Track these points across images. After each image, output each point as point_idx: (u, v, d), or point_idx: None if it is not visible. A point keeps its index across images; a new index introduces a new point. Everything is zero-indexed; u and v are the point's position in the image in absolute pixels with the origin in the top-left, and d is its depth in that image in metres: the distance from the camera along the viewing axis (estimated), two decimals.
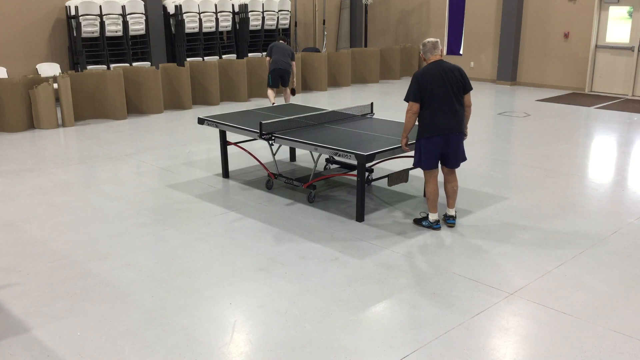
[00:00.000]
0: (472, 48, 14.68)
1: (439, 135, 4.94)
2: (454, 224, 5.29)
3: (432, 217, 5.22)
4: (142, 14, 12.33)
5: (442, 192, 5.82)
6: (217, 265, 4.58)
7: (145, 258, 4.71)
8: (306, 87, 13.36)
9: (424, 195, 6.14)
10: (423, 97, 4.90)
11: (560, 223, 5.40)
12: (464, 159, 5.19)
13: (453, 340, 3.54)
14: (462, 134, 5.07)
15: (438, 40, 5.03)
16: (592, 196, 6.13)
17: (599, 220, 5.47)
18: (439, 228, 5.22)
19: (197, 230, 5.28)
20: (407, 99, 4.95)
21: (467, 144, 7.89)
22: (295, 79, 10.47)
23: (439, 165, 5.19)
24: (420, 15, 15.64)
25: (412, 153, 6.08)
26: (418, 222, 5.35)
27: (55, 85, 9.89)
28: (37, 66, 11.73)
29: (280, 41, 10.39)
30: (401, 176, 5.62)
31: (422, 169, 5.15)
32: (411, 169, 5.91)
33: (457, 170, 5.38)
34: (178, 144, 8.51)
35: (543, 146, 8.18)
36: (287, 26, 14.86)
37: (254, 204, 5.93)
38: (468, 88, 5.04)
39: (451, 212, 5.30)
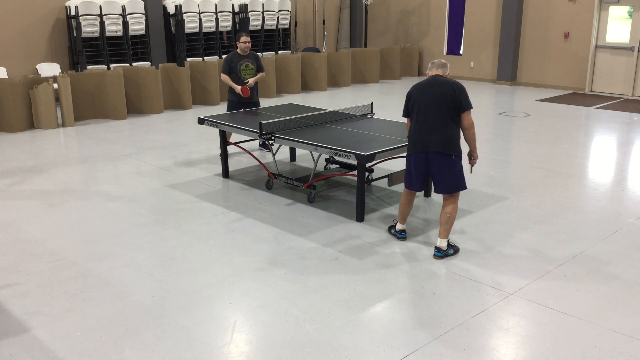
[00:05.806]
0: (472, 48, 14.68)
1: (415, 153, 4.61)
2: (441, 256, 4.60)
3: (399, 226, 5.04)
4: (142, 14, 12.32)
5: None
6: (217, 265, 4.58)
7: (145, 258, 4.71)
8: (306, 87, 13.36)
9: (424, 195, 6.15)
10: (410, 112, 4.67)
11: (560, 223, 5.40)
12: (459, 186, 4.56)
13: (453, 340, 3.54)
14: (448, 156, 4.47)
15: (447, 63, 4.71)
16: (592, 196, 6.13)
17: (599, 220, 5.46)
18: (404, 238, 5.01)
19: (197, 230, 5.28)
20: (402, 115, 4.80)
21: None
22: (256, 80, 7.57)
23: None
24: (420, 15, 15.64)
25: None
26: (389, 228, 5.18)
27: (55, 85, 9.89)
28: (37, 66, 11.72)
29: (238, 48, 7.35)
30: (401, 176, 5.61)
31: (404, 186, 4.87)
32: None
33: None
34: (178, 144, 8.50)
35: (543, 146, 8.18)
36: (287, 26, 14.87)
37: (254, 204, 5.93)
38: (464, 106, 4.43)
39: (438, 242, 4.63)
